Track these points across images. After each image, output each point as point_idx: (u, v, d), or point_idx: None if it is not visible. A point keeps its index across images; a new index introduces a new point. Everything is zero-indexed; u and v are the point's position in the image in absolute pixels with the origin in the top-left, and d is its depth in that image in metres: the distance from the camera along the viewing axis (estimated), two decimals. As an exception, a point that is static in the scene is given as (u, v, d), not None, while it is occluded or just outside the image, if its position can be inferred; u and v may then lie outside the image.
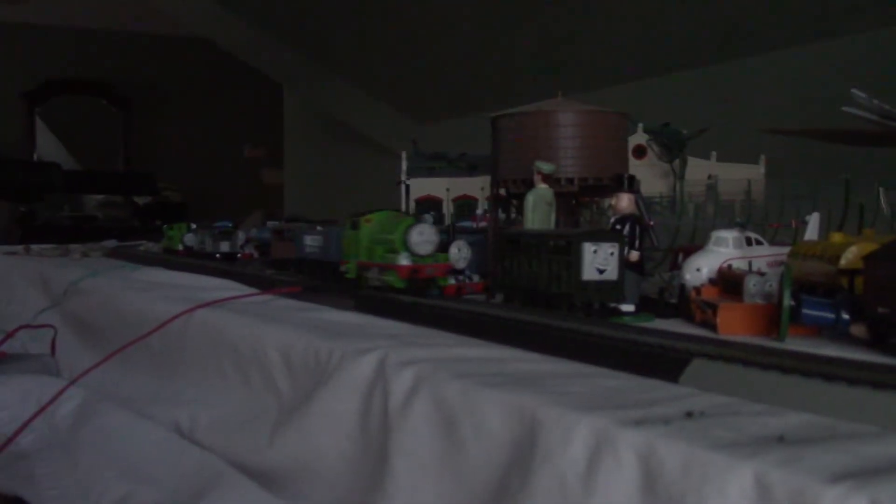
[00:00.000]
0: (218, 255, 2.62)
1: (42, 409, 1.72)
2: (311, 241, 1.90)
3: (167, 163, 8.80)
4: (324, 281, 1.78)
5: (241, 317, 1.57)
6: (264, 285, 1.92)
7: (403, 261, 1.53)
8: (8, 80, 8.40)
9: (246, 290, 1.91)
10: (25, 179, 7.43)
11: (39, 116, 8.73)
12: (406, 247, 1.54)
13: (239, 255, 2.64)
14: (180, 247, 2.85)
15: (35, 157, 8.56)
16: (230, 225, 2.74)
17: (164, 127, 9.09)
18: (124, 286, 2.15)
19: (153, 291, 1.99)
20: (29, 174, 7.68)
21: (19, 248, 3.32)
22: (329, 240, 1.81)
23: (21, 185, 7.23)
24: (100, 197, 8.18)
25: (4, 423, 1.84)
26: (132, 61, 8.95)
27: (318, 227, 1.88)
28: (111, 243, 3.69)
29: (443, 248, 1.73)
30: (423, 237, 1.55)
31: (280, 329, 1.42)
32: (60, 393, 1.75)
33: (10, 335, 2.36)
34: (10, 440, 1.65)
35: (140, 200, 8.18)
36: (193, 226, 2.87)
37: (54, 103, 8.75)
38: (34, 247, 3.30)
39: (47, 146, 8.69)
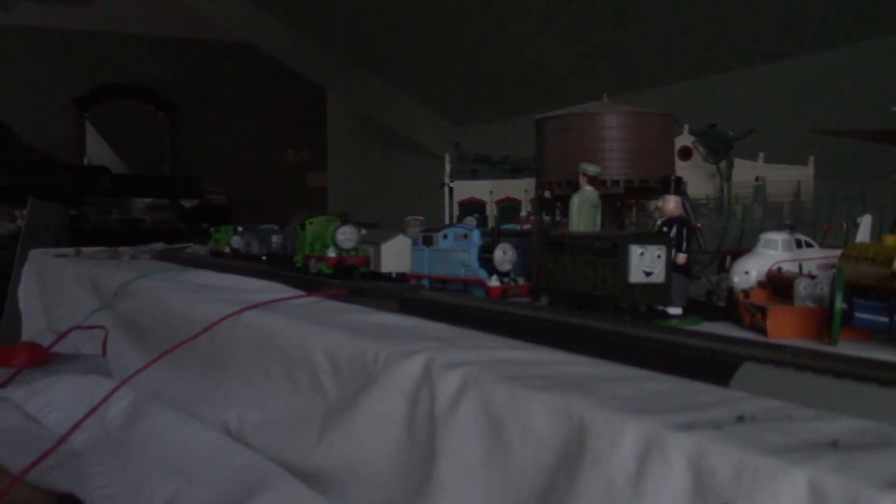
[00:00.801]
0: (264, 258, 2.65)
1: (94, 409, 1.75)
2: (276, 239, 2.47)
3: (213, 166, 8.93)
4: (282, 269, 2.27)
5: (287, 319, 1.58)
6: (310, 287, 1.93)
7: (331, 253, 2.04)
8: (59, 86, 8.59)
9: (292, 292, 1.93)
10: (76, 183, 7.58)
11: (89, 121, 8.91)
12: (333, 243, 2.03)
13: (284, 258, 2.66)
14: (227, 249, 2.88)
15: (85, 161, 8.73)
16: (276, 227, 2.76)
17: (210, 131, 9.22)
18: (173, 288, 2.18)
19: (201, 293, 2.02)
20: (79, 178, 7.83)
21: (70, 250, 3.39)
22: (287, 238, 2.35)
23: (72, 188, 7.37)
24: (147, 200, 8.30)
25: (58, 422, 1.88)
26: (179, 67, 9.10)
27: (279, 228, 2.47)
28: (159, 246, 3.75)
29: (487, 249, 1.74)
30: (346, 236, 2.06)
31: (326, 331, 1.43)
32: (112, 393, 1.78)
33: (62, 336, 2.41)
34: (63, 439, 1.68)
35: (186, 203, 8.29)
36: (240, 228, 2.91)
37: (103, 108, 8.92)
38: (85, 249, 3.37)
39: (97, 150, 8.87)
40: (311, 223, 2.15)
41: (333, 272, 2.04)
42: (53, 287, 3.06)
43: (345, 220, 2.09)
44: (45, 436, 1.79)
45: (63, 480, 1.53)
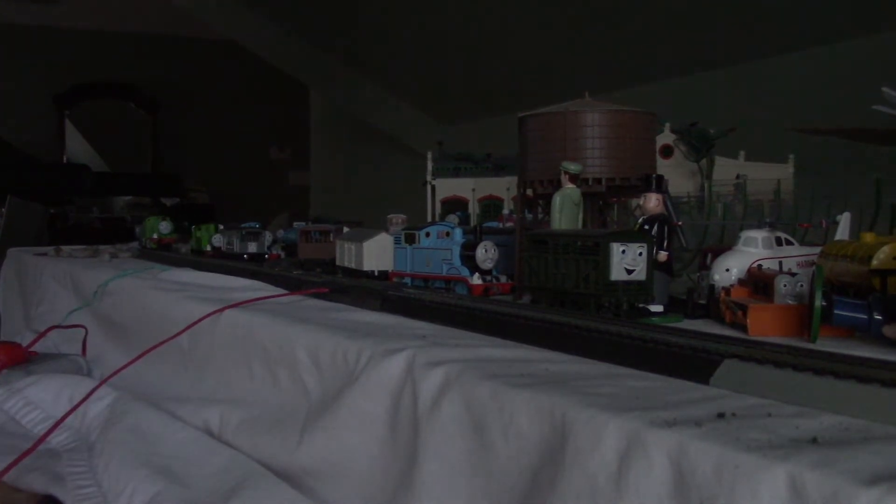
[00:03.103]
0: (245, 256, 2.64)
1: (73, 409, 1.74)
2: (138, 229, 3.60)
3: (194, 164, 8.87)
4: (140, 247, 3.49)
5: (269, 317, 1.57)
6: (292, 286, 1.93)
7: (155, 235, 3.35)
8: (39, 84, 8.51)
9: (274, 290, 1.92)
10: (56, 181, 7.52)
11: (69, 119, 8.83)
12: (158, 230, 3.34)
13: (266, 256, 2.66)
14: (208, 247, 2.87)
15: (65, 159, 8.65)
16: (257, 226, 2.76)
17: (192, 129, 9.16)
18: (153, 287, 2.17)
19: (182, 292, 2.01)
20: (59, 176, 7.77)
21: (50, 249, 3.36)
22: (142, 229, 3.47)
23: (51, 186, 7.31)
24: (128, 198, 8.25)
25: (36, 422, 1.86)
26: (160, 64, 9.03)
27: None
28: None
29: (469, 247, 1.74)
30: (164, 226, 3.35)
31: (308, 329, 1.43)
32: (92, 392, 1.77)
33: (41, 335, 2.40)
34: (42, 439, 1.67)
35: (168, 202, 8.24)
36: (221, 227, 2.90)
37: (84, 106, 8.84)
38: (64, 248, 3.34)
39: (76, 148, 8.79)
40: (149, 220, 3.40)
41: (157, 247, 3.31)
42: (33, 286, 3.03)
43: (164, 218, 3.39)
44: (24, 436, 1.78)
45: (42, 481, 1.52)
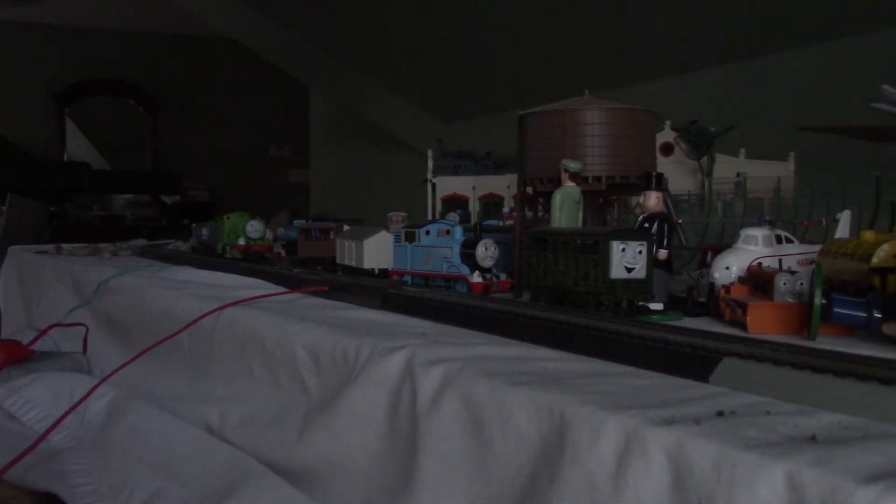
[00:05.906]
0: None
1: (74, 407, 1.75)
2: (206, 232, 2.86)
3: (194, 162, 8.88)
4: (209, 254, 2.68)
5: (269, 315, 1.57)
6: (292, 284, 1.93)
7: (241, 241, 2.54)
8: (39, 82, 8.51)
9: (274, 288, 1.92)
10: (56, 179, 7.53)
11: (69, 117, 8.83)
12: (244, 233, 2.53)
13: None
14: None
15: (65, 157, 8.66)
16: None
17: (192, 127, 9.16)
18: (154, 284, 2.17)
19: (182, 290, 2.01)
20: (59, 174, 7.78)
21: (50, 247, 3.36)
22: (213, 230, 2.76)
23: (51, 184, 7.32)
24: (128, 196, 8.26)
25: (37, 420, 1.87)
26: (161, 62, 9.04)
27: (210, 223, 2.81)
28: (140, 242, 3.73)
29: (469, 245, 1.74)
30: (253, 228, 2.55)
31: (308, 327, 1.43)
32: (92, 391, 1.78)
33: (42, 333, 2.40)
34: (42, 437, 1.67)
35: (168, 199, 8.25)
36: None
37: (84, 104, 8.84)
38: (65, 246, 3.34)
39: (77, 146, 8.79)
40: (228, 218, 2.58)
41: (243, 257, 2.51)
42: (33, 284, 3.03)
43: (253, 216, 2.58)
44: (24, 434, 1.78)
45: (43, 479, 1.52)
